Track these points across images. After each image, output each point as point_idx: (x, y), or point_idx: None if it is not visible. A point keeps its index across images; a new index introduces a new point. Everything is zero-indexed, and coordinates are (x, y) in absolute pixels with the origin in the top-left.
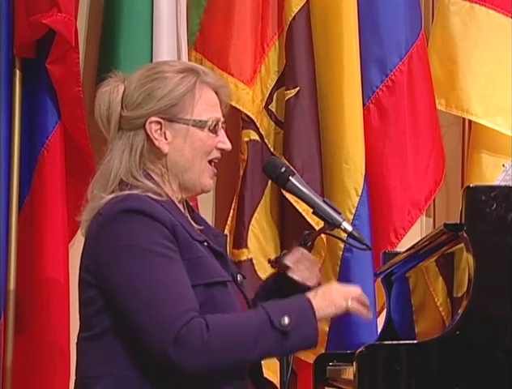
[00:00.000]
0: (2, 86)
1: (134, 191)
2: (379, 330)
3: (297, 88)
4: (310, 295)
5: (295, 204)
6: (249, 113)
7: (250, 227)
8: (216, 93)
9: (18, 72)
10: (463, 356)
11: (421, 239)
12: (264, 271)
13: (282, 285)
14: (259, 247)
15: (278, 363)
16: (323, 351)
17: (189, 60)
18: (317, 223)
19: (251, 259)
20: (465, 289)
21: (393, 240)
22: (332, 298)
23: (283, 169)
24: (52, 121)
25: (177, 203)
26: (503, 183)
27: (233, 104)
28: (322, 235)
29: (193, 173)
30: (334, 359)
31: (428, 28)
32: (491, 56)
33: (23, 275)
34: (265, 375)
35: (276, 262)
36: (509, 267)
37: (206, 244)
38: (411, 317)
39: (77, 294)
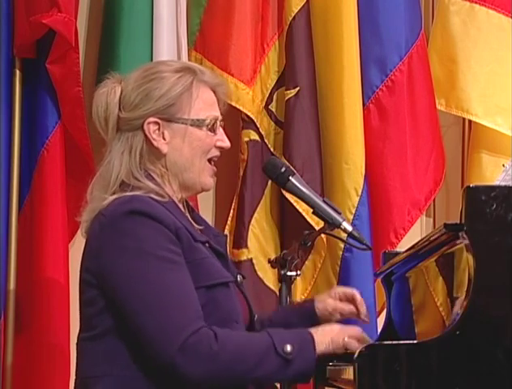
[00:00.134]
0: (2, 86)
1: (137, 192)
2: (379, 330)
3: (297, 88)
4: (313, 330)
5: (295, 204)
6: (249, 113)
7: (250, 227)
8: (214, 91)
9: (18, 72)
10: (463, 356)
11: (421, 239)
12: (264, 271)
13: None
14: (259, 247)
15: None
16: None
17: (189, 60)
18: (317, 223)
19: (251, 259)
20: (465, 289)
21: (393, 240)
22: (332, 336)
23: (283, 169)
24: (52, 121)
25: (178, 204)
26: (503, 183)
27: (233, 104)
28: (322, 235)
29: (192, 172)
30: (334, 359)
31: (428, 28)
32: (491, 56)
33: (23, 275)
34: None
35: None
36: (509, 267)
37: (207, 245)
38: (411, 317)
39: (77, 294)
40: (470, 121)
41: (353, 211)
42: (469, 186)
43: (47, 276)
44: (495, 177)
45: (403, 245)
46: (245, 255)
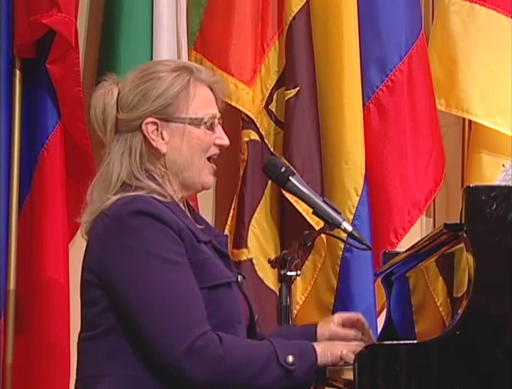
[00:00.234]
0: (2, 86)
1: (139, 193)
2: (379, 330)
3: (297, 88)
4: (314, 343)
5: (295, 204)
6: (249, 113)
7: (250, 227)
8: (211, 89)
9: (18, 72)
10: (463, 356)
11: (421, 239)
12: (264, 271)
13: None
14: (259, 247)
15: None
16: None
17: (189, 60)
18: (317, 223)
19: (251, 259)
20: (465, 289)
21: (393, 240)
22: (331, 349)
23: (283, 169)
24: (52, 121)
25: (180, 204)
26: (503, 183)
27: (233, 104)
28: (322, 235)
29: (192, 171)
30: None
31: (428, 28)
32: (491, 56)
33: (23, 275)
34: None
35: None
36: (509, 267)
37: (210, 245)
38: (411, 317)
39: (77, 294)
40: (470, 121)
41: (353, 211)
42: (469, 186)
43: (47, 276)
44: (495, 177)
45: (403, 245)
46: (245, 255)
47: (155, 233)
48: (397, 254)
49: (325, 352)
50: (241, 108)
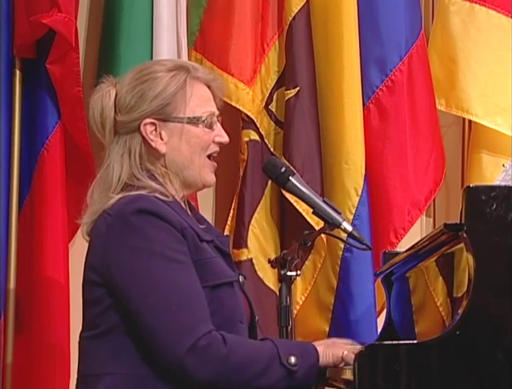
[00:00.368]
0: (2, 86)
1: (142, 192)
2: (379, 330)
3: (297, 88)
4: (316, 343)
5: (295, 204)
6: (249, 113)
7: (250, 227)
8: (209, 87)
9: (18, 72)
10: (463, 356)
11: (421, 239)
12: (264, 271)
13: None
14: (259, 247)
15: None
16: None
17: (189, 60)
18: (317, 223)
19: (251, 259)
20: (465, 289)
21: (393, 240)
22: (333, 350)
23: (283, 169)
24: (52, 121)
25: (181, 203)
26: (503, 183)
27: (233, 104)
28: (322, 235)
29: (193, 169)
30: None
31: (428, 28)
32: (491, 56)
33: (23, 275)
34: None
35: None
36: (509, 267)
37: (212, 244)
38: (411, 317)
39: (77, 294)
40: (470, 121)
41: (353, 211)
42: (469, 186)
43: (47, 276)
44: (495, 177)
45: (403, 245)
46: (245, 255)
47: (158, 232)
48: (397, 254)
49: (326, 352)
50: (241, 108)
